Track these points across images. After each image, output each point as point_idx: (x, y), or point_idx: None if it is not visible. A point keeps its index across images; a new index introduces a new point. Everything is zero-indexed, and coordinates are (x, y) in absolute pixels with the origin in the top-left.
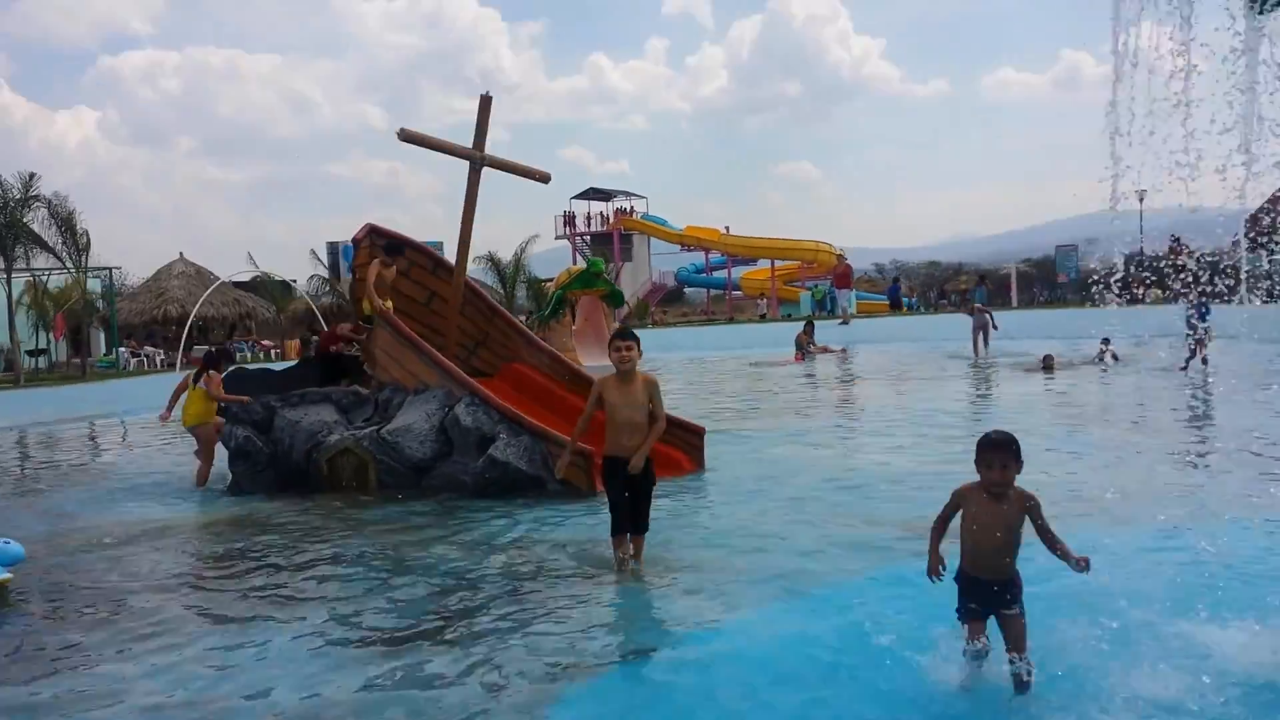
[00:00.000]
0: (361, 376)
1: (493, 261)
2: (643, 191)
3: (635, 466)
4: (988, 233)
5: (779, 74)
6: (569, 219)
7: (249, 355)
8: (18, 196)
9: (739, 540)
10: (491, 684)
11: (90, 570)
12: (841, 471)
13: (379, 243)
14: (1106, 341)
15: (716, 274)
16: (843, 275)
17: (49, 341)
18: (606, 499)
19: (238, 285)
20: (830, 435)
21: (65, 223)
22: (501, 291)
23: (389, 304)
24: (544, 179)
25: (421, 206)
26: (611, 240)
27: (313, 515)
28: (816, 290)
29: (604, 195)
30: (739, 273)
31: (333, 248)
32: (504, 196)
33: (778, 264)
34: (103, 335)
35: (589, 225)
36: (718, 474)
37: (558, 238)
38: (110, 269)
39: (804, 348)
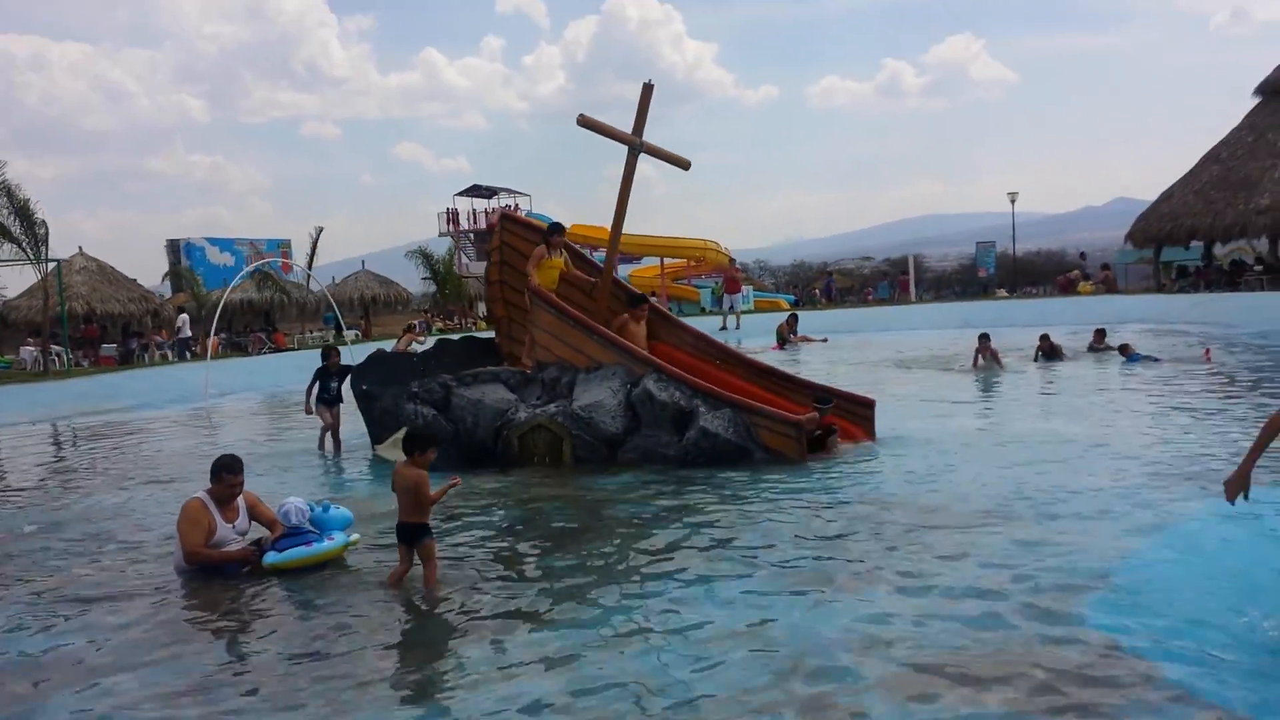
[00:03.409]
0: (495, 358)
1: (425, 256)
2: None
3: None
4: (821, 235)
5: (616, 76)
6: (452, 216)
7: (168, 355)
8: None
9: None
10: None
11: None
12: (1006, 437)
13: (511, 228)
14: (1102, 333)
15: None
16: (732, 281)
17: None
18: None
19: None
20: (927, 406)
21: (22, 211)
22: (435, 284)
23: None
24: (685, 166)
25: (247, 202)
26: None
27: (565, 489)
28: (716, 286)
29: (487, 192)
30: (623, 271)
31: (173, 245)
32: (378, 193)
33: (666, 262)
34: None
35: (473, 222)
36: (897, 441)
37: (441, 234)
38: (59, 261)
39: (784, 337)
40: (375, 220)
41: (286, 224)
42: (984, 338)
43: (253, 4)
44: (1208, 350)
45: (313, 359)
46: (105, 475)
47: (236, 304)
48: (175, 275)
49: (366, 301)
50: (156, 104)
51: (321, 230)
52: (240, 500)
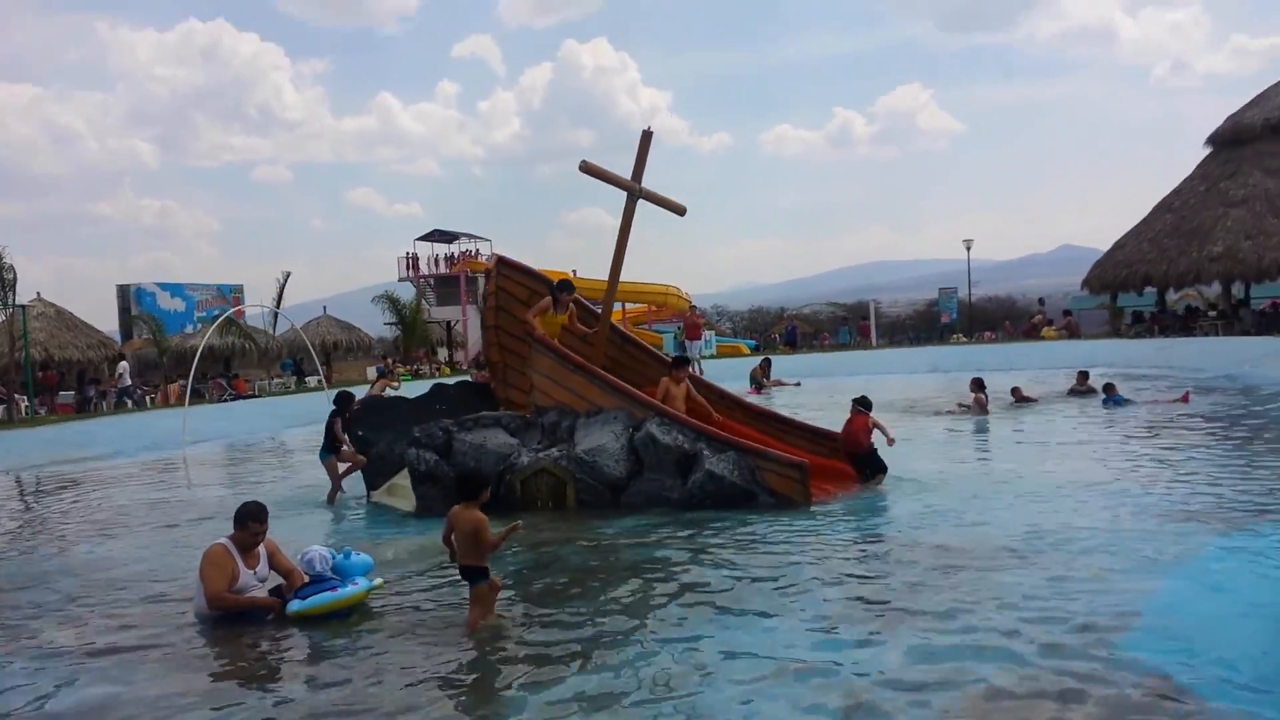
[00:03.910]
0: (490, 402)
1: (390, 301)
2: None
3: None
4: (775, 281)
5: (571, 123)
6: (412, 261)
7: (128, 403)
8: None
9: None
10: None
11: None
12: (1006, 478)
13: (507, 273)
14: (1085, 375)
15: None
16: (693, 327)
17: None
18: None
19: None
20: (920, 448)
21: None
22: (399, 330)
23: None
24: (681, 212)
25: (195, 247)
26: (457, 282)
27: (575, 533)
28: (679, 332)
29: (448, 237)
30: None
31: (123, 290)
32: (330, 238)
33: (627, 307)
34: None
35: (435, 267)
36: (899, 482)
37: (401, 279)
38: (23, 306)
39: (758, 381)
40: (329, 265)
41: (237, 269)
42: (978, 383)
43: (206, 47)
44: (1187, 393)
45: (281, 405)
46: (95, 524)
47: (196, 350)
48: (130, 321)
49: (328, 347)
50: (106, 147)
51: (289, 275)
52: (261, 548)
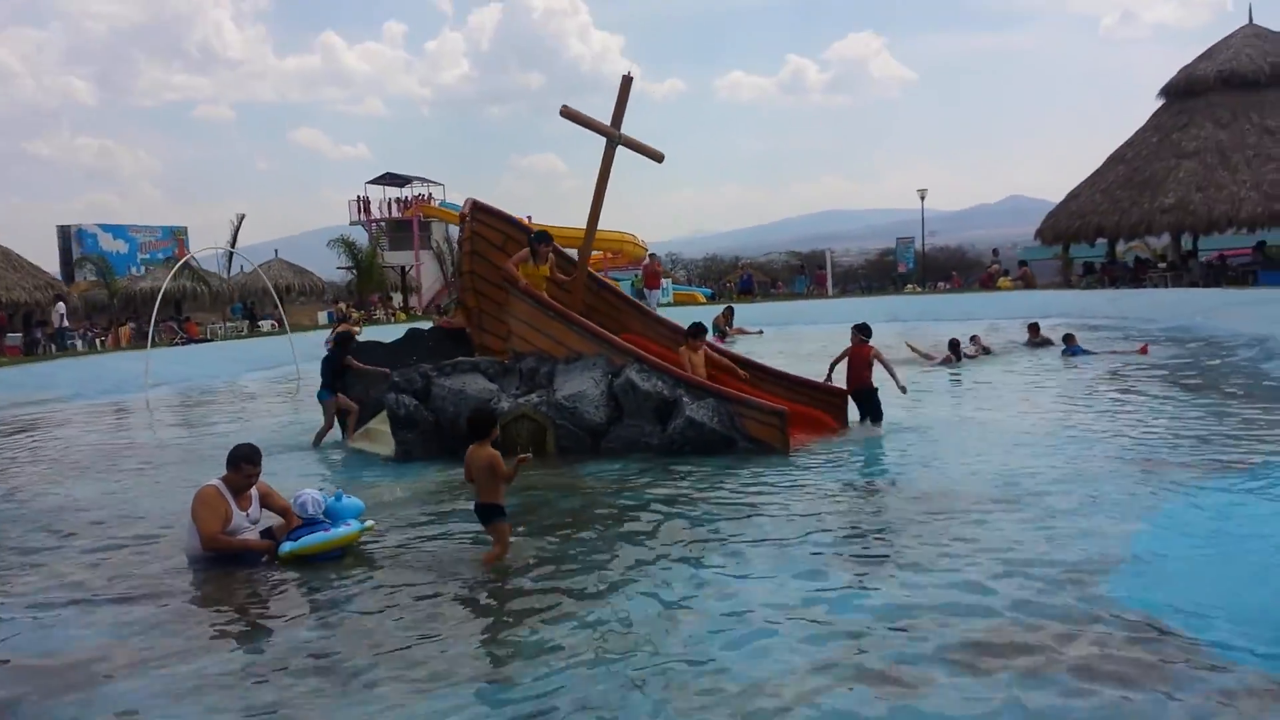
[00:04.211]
0: (466, 348)
1: (347, 245)
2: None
3: None
4: (728, 229)
5: (520, 65)
6: (364, 204)
7: (80, 344)
8: None
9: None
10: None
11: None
12: (977, 426)
13: (482, 218)
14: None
15: None
16: (652, 275)
17: None
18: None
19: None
20: (890, 395)
21: None
22: (354, 274)
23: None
24: (659, 158)
25: (138, 188)
26: (410, 227)
27: (559, 478)
28: (637, 279)
29: (400, 181)
30: None
31: (64, 231)
32: (275, 179)
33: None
34: None
35: (388, 211)
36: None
37: (353, 223)
38: None
39: (720, 329)
40: (276, 206)
41: (180, 210)
42: (954, 344)
43: None
44: (1145, 345)
45: (237, 349)
46: (70, 466)
47: (147, 293)
48: (73, 263)
49: (280, 291)
50: (42, 85)
51: (244, 217)
52: (253, 490)
